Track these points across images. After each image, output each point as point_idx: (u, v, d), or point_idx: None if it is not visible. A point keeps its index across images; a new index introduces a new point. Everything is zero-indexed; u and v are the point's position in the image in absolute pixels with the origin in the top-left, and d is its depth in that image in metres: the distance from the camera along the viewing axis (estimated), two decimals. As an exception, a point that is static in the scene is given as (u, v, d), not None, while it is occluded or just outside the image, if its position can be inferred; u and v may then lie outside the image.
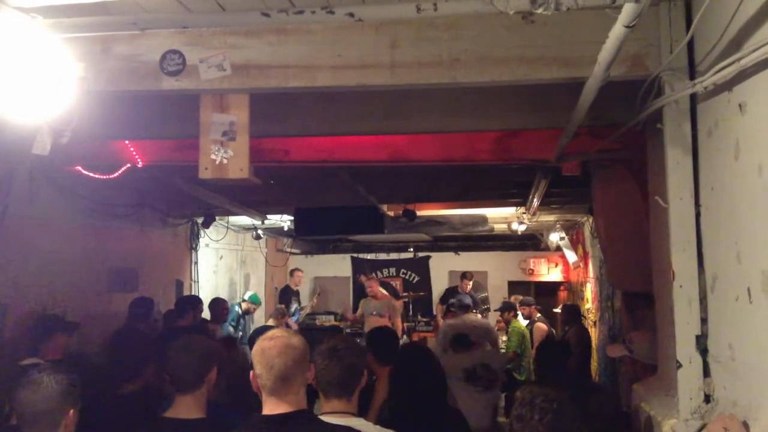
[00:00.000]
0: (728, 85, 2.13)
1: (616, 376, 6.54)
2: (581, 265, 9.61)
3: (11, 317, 4.64)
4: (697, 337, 2.47)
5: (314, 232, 9.35)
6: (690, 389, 2.45)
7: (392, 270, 13.23)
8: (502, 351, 7.06)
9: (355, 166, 4.53)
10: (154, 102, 3.31)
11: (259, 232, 9.60)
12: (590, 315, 8.76)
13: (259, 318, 10.16)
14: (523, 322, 8.28)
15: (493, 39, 2.65)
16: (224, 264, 9.85)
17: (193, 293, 8.07)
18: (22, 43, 2.11)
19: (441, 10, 2.17)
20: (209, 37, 2.78)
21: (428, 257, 13.13)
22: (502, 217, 8.55)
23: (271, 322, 8.15)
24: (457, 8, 2.20)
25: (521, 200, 6.87)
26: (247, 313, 8.95)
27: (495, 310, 9.41)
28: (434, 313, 11.42)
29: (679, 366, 2.47)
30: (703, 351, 2.46)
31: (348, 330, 9.30)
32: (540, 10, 1.98)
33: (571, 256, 10.09)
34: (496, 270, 12.59)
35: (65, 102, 2.30)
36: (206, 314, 7.13)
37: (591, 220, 7.64)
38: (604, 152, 3.84)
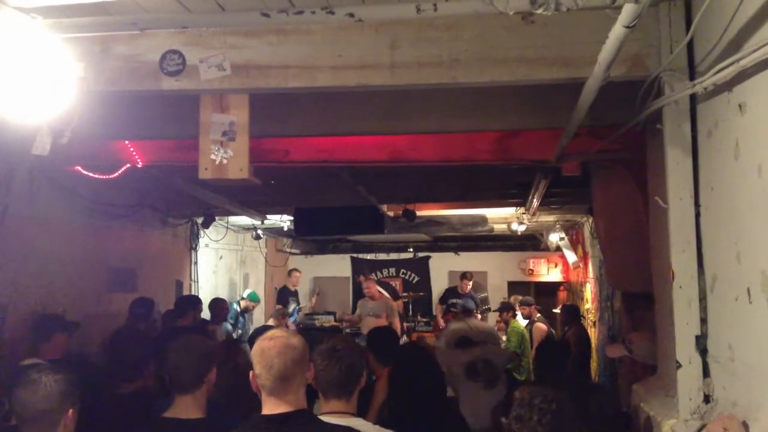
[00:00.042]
0: (728, 85, 2.13)
1: (615, 377, 6.54)
2: (581, 265, 9.62)
3: (11, 317, 4.64)
4: (697, 338, 2.47)
5: (314, 233, 9.35)
6: (689, 389, 2.45)
7: (392, 270, 13.24)
8: (503, 351, 7.06)
9: (355, 166, 4.53)
10: (154, 102, 3.31)
11: (259, 232, 9.60)
12: (590, 315, 8.76)
13: (258, 318, 10.17)
14: (522, 322, 8.29)
15: (492, 39, 2.65)
16: (224, 264, 9.85)
17: (192, 293, 8.07)
18: (22, 43, 2.11)
19: (441, 11, 2.17)
20: (209, 37, 2.78)
21: (428, 257, 13.13)
22: (501, 217, 8.55)
23: (271, 322, 8.15)
24: (457, 9, 2.20)
25: (521, 200, 6.87)
26: (245, 311, 8.95)
27: (494, 311, 9.41)
28: (434, 313, 11.42)
29: (679, 366, 2.47)
30: (703, 351, 2.46)
31: (347, 330, 9.31)
32: (540, 11, 1.98)
33: (571, 257, 10.10)
34: (495, 270, 12.59)
35: (65, 102, 2.30)
36: (206, 314, 7.13)
37: (591, 220, 7.64)
38: (604, 152, 3.85)
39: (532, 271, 12.31)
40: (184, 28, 2.72)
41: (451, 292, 10.61)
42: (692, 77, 2.48)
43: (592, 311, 8.65)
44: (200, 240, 8.67)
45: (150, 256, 7.20)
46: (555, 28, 2.60)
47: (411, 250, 13.20)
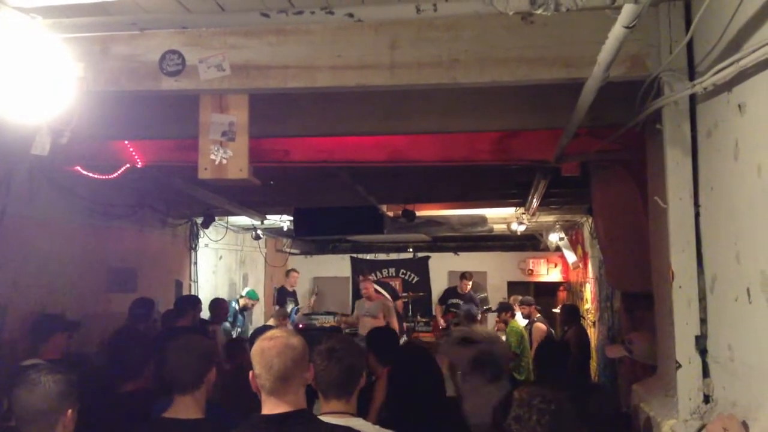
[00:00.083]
0: (728, 85, 2.13)
1: (615, 377, 6.54)
2: (580, 265, 9.62)
3: (11, 317, 4.64)
4: (697, 338, 2.47)
5: (314, 233, 9.34)
6: (689, 390, 2.45)
7: (392, 270, 13.24)
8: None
9: (354, 166, 4.53)
10: (154, 102, 3.31)
11: (259, 232, 9.60)
12: (589, 315, 8.76)
13: (258, 318, 10.17)
14: (522, 322, 8.29)
15: (492, 39, 2.65)
16: (224, 264, 9.85)
17: (192, 293, 8.07)
18: (22, 43, 2.11)
19: (441, 11, 2.17)
20: (209, 37, 2.78)
21: (428, 257, 13.13)
22: (501, 217, 8.56)
23: (271, 322, 8.16)
24: (456, 9, 2.20)
25: (521, 201, 6.87)
26: (244, 309, 8.95)
27: (494, 311, 9.42)
28: (433, 313, 11.42)
29: (679, 366, 2.47)
30: (703, 351, 2.46)
31: (347, 330, 9.31)
32: (539, 11, 1.97)
33: (571, 257, 10.10)
34: (495, 270, 12.59)
35: (64, 102, 2.30)
36: (205, 314, 7.13)
37: (590, 220, 7.64)
38: (604, 153, 3.85)
39: (532, 271, 12.31)
40: (183, 28, 2.72)
41: (450, 292, 10.62)
42: (692, 77, 2.48)
43: (592, 311, 8.65)
44: (200, 240, 8.67)
45: (150, 256, 7.20)
46: (555, 29, 2.60)
47: (411, 250, 13.20)
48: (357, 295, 11.31)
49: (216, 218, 7.99)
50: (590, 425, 2.69)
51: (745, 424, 2.01)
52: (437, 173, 5.18)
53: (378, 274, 12.83)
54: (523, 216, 7.69)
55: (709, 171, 2.41)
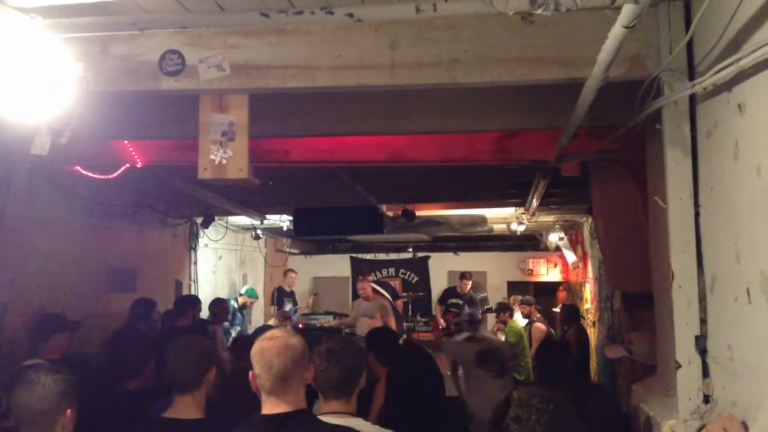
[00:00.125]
0: (727, 85, 2.13)
1: (615, 377, 6.54)
2: (580, 265, 9.62)
3: (11, 317, 4.64)
4: (697, 338, 2.47)
5: (313, 233, 9.34)
6: (689, 390, 2.45)
7: (391, 270, 13.24)
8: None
9: (354, 166, 4.53)
10: (154, 102, 3.31)
11: (258, 232, 9.60)
12: (589, 315, 8.76)
13: (258, 318, 10.17)
14: (522, 322, 8.29)
15: (492, 39, 2.65)
16: (223, 264, 9.85)
17: (192, 293, 8.06)
18: (22, 43, 2.11)
19: (440, 11, 2.17)
20: (208, 37, 2.78)
21: (427, 257, 13.13)
22: (501, 217, 8.56)
23: (273, 322, 8.15)
24: (456, 9, 2.20)
25: (520, 200, 6.87)
26: (243, 307, 8.93)
27: (493, 311, 9.41)
28: (433, 313, 11.42)
29: (679, 366, 2.47)
30: (702, 351, 2.46)
31: (347, 330, 9.31)
32: (539, 11, 1.97)
33: (570, 257, 10.10)
34: (495, 270, 12.59)
35: (64, 102, 2.30)
36: (205, 314, 7.12)
37: (590, 220, 7.64)
38: (604, 153, 3.85)
39: (532, 271, 12.31)
40: (183, 28, 2.72)
41: (450, 292, 10.62)
42: (692, 77, 2.48)
43: (592, 311, 8.65)
44: (200, 240, 8.67)
45: (149, 256, 7.20)
46: (554, 29, 2.60)
47: (410, 250, 13.20)
48: (357, 295, 11.30)
49: (216, 218, 7.99)
50: (590, 425, 2.69)
51: (744, 424, 2.02)
52: (437, 173, 5.18)
53: (378, 274, 12.83)
54: (523, 216, 7.69)
55: (709, 171, 2.41)
